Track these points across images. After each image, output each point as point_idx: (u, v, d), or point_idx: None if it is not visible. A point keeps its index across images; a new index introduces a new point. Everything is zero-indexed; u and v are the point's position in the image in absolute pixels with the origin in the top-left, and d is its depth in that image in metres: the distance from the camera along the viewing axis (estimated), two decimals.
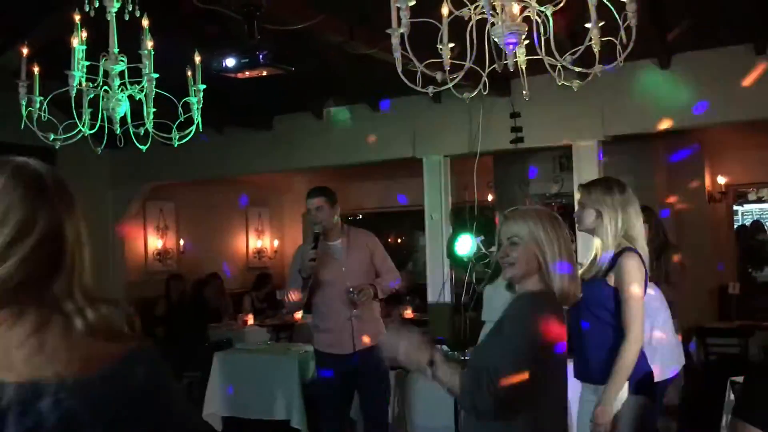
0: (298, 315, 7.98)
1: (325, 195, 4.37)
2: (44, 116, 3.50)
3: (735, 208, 9.10)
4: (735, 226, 9.12)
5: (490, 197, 8.32)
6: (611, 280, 3.04)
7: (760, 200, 9.43)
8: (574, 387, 3.17)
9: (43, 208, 1.11)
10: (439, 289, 6.47)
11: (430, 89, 2.47)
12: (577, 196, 3.28)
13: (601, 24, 2.23)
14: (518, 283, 2.40)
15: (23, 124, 3.49)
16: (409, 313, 8.03)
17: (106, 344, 1.10)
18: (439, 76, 2.41)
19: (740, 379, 4.18)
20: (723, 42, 5.30)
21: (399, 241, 10.85)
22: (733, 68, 5.30)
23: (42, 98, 3.48)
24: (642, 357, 3.02)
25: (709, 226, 8.22)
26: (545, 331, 2.19)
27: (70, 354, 1.06)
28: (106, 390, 1.07)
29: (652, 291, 3.48)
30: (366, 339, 4.36)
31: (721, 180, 8.62)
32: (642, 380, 3.01)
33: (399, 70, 2.38)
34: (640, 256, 3.06)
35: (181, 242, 9.61)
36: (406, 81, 2.42)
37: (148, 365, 1.12)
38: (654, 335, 3.67)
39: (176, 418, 1.16)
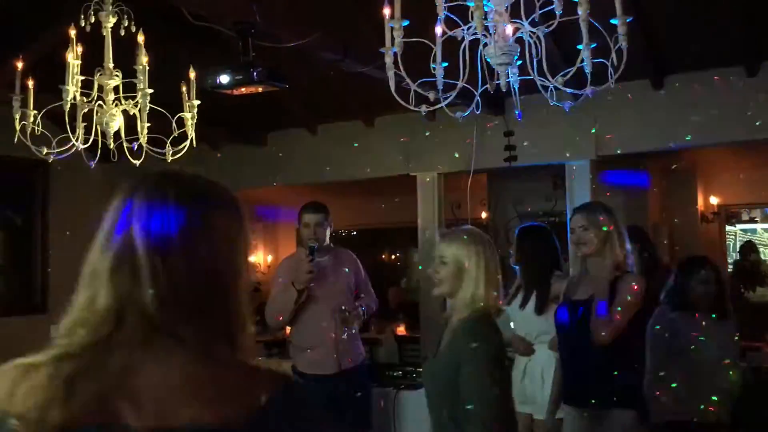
0: (289, 331, 7.94)
1: (325, 212, 4.39)
2: (38, 130, 3.50)
3: (733, 228, 9.14)
4: (735, 246, 9.15)
5: (484, 215, 8.34)
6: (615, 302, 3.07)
7: (752, 221, 9.47)
8: None
9: None
10: (431, 306, 6.46)
11: (423, 108, 2.48)
12: (579, 220, 3.28)
13: (593, 45, 2.24)
14: (449, 298, 2.61)
15: (17, 137, 3.50)
16: (401, 329, 8.01)
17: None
18: (431, 95, 2.43)
19: None
20: (715, 64, 5.34)
21: (393, 257, 10.84)
22: (725, 90, 5.34)
23: (36, 112, 3.48)
24: (632, 370, 3.02)
25: (701, 247, 8.24)
26: (496, 356, 2.45)
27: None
28: None
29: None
30: (350, 359, 4.32)
31: (714, 200, 8.66)
32: (629, 394, 3.00)
33: (392, 89, 2.39)
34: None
35: None
36: (399, 100, 2.43)
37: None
38: None
39: None
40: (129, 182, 1.07)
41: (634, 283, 3.09)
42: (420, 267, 6.56)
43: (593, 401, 3.07)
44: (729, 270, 8.91)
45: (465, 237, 2.61)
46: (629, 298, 3.04)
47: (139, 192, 1.04)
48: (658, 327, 3.80)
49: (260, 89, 3.98)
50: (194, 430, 0.94)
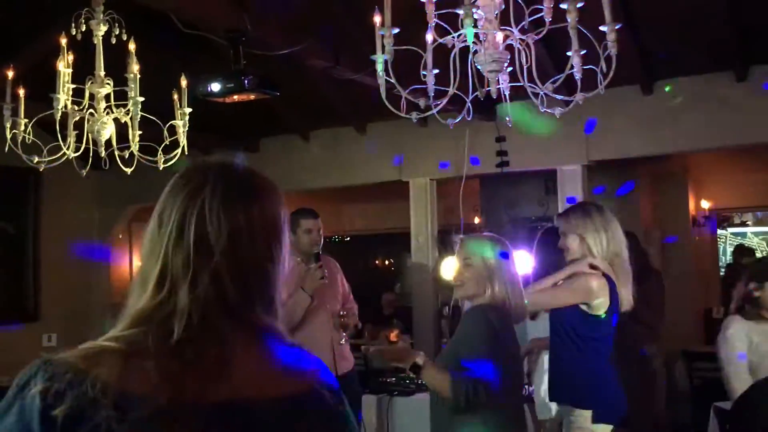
0: None
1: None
2: (29, 138, 3.49)
3: (724, 231, 9.18)
4: (726, 250, 9.19)
5: (476, 220, 8.34)
6: None
7: (743, 224, 9.52)
8: None
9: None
10: (424, 311, 6.46)
11: (414, 115, 2.49)
12: (559, 227, 3.29)
13: (583, 52, 2.26)
14: (469, 301, 2.71)
15: (7, 146, 3.49)
16: (395, 336, 7.99)
17: None
18: (422, 102, 2.44)
19: (724, 404, 4.17)
20: (704, 69, 5.38)
21: (386, 263, 10.84)
22: (715, 94, 5.37)
23: (27, 120, 3.47)
24: (610, 385, 3.05)
25: (693, 250, 8.27)
26: (498, 332, 2.55)
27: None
28: None
29: None
30: (345, 363, 4.36)
31: (705, 204, 8.69)
32: (585, 394, 3.04)
33: (383, 96, 2.40)
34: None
35: None
36: (390, 107, 2.43)
37: None
38: None
39: None
40: (185, 177, 1.13)
41: (587, 279, 3.08)
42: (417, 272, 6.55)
43: (559, 399, 3.25)
44: (721, 274, 8.95)
45: (489, 239, 2.72)
46: (568, 285, 3.09)
47: (204, 188, 1.10)
48: (737, 342, 3.50)
49: (252, 97, 3.98)
50: (276, 402, 1.05)
